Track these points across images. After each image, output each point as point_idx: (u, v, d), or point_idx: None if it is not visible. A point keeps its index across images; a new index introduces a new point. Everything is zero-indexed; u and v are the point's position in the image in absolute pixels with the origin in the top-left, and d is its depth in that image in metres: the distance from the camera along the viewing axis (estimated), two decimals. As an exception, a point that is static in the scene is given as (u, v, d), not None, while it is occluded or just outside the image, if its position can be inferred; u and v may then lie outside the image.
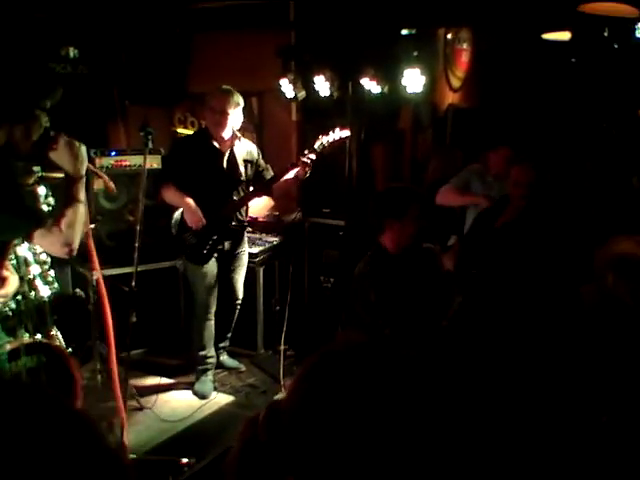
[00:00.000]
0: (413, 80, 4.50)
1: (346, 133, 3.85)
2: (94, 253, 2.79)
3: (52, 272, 3.33)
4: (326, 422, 0.77)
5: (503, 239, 3.34)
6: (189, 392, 4.08)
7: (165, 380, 4.21)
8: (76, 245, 2.36)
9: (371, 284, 2.68)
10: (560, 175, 4.91)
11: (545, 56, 7.47)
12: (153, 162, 4.11)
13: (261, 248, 4.55)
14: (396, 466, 0.75)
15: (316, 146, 3.81)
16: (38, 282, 3.19)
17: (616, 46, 6.39)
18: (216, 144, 3.84)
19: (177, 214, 3.91)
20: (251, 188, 4.00)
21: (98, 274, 3.01)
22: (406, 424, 0.76)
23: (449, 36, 6.75)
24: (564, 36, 6.39)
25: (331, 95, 4.61)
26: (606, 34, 6.30)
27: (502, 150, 4.28)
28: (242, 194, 3.96)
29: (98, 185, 4.30)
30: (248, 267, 4.24)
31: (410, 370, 0.81)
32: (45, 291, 3.22)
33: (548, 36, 6.43)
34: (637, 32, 5.73)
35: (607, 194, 4.51)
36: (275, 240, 4.72)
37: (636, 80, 7.65)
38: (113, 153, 4.38)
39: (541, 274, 3.20)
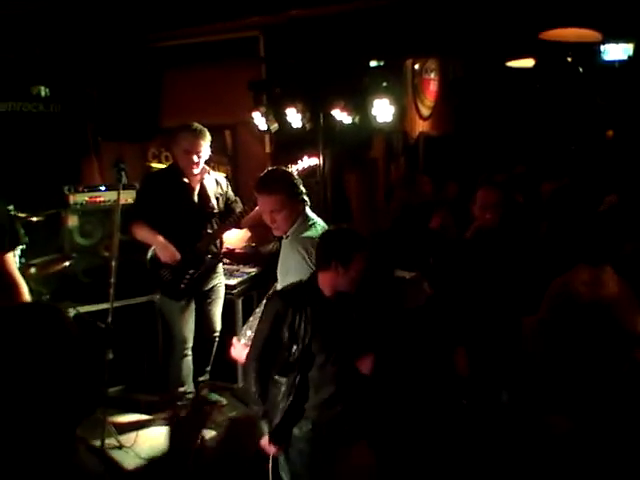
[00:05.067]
0: (383, 110, 4.60)
1: (315, 161, 3.89)
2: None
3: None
4: None
5: (476, 256, 3.37)
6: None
7: (144, 417, 4.14)
8: None
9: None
10: (528, 197, 5.00)
11: (511, 83, 7.67)
12: (128, 197, 4.11)
13: (239, 279, 4.54)
14: None
15: None
16: None
17: (581, 70, 6.59)
18: (186, 180, 3.86)
19: (151, 250, 3.91)
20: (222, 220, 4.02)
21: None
22: None
23: (417, 66, 6.91)
24: (528, 63, 6.59)
25: (303, 126, 4.68)
26: (570, 59, 6.50)
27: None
28: (215, 227, 3.97)
29: (72, 222, 4.29)
30: (226, 299, 4.23)
31: None
32: None
33: (512, 64, 6.63)
34: (604, 54, 5.77)
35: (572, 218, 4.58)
36: (253, 271, 4.72)
37: (604, 102, 7.88)
38: (103, 189, 4.38)
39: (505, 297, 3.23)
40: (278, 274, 3.16)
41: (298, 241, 2.96)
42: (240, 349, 3.13)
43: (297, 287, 2.63)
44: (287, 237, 3.05)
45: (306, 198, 3.09)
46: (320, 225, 3.09)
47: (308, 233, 2.99)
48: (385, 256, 4.72)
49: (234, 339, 3.26)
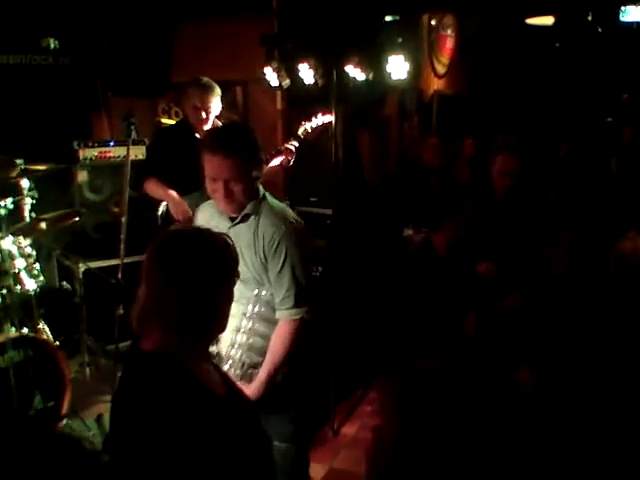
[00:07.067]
0: (397, 67, 4.49)
1: (329, 118, 3.82)
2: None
3: (37, 265, 3.30)
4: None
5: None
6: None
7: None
8: None
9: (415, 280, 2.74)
10: (541, 160, 4.93)
11: (529, 41, 7.49)
12: (138, 153, 4.08)
13: (248, 238, 4.52)
14: None
15: (299, 132, 3.79)
16: (23, 275, 3.16)
17: (600, 30, 6.42)
18: (198, 135, 3.81)
19: (163, 206, 3.89)
20: None
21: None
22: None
23: (433, 22, 6.75)
24: (547, 21, 6.42)
25: (315, 83, 4.58)
26: (590, 18, 6.33)
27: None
28: None
29: (82, 177, 4.28)
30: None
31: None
32: (31, 284, 3.19)
33: (532, 21, 6.46)
34: (622, 15, 5.70)
35: (585, 179, 4.53)
36: (262, 230, 4.70)
37: (621, 64, 7.69)
38: (111, 144, 4.34)
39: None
40: (248, 270, 2.28)
41: (281, 220, 2.28)
42: None
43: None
44: (246, 218, 2.28)
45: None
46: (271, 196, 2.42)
47: (280, 206, 2.37)
48: (392, 214, 4.71)
49: None
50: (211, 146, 2.19)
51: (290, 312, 2.29)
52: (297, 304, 2.29)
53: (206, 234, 1.60)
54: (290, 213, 2.36)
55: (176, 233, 1.64)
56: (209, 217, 2.38)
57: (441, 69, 7.09)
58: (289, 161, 3.77)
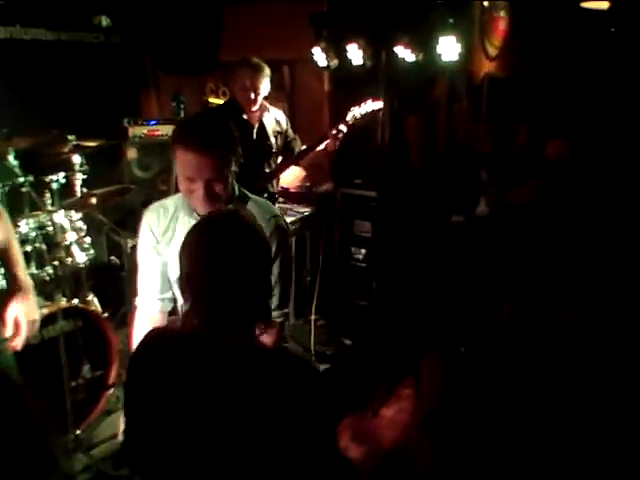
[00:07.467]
0: (448, 48, 4.40)
1: (379, 105, 3.77)
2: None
3: (88, 239, 3.37)
4: None
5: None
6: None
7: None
8: None
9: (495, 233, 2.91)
10: (592, 147, 4.79)
11: (584, 25, 7.26)
12: (186, 132, 4.10)
13: (292, 218, 4.54)
14: None
15: (348, 118, 3.76)
16: (74, 248, 3.23)
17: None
18: (245, 116, 3.82)
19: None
20: (280, 159, 3.98)
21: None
22: None
23: (486, 3, 6.57)
24: (603, 5, 6.22)
25: (364, 64, 4.54)
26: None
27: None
28: (273, 166, 3.95)
29: (131, 154, 4.34)
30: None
31: None
32: (81, 257, 3.27)
33: (587, 5, 6.26)
34: None
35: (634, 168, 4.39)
36: (307, 211, 4.71)
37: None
38: (153, 122, 4.39)
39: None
40: None
41: (267, 213, 2.16)
42: None
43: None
44: None
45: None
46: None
47: (263, 200, 2.27)
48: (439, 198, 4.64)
49: None
50: (186, 142, 1.92)
51: (275, 314, 2.08)
52: (282, 305, 2.12)
53: (249, 220, 1.56)
54: (273, 207, 2.24)
55: (214, 220, 1.59)
56: (169, 219, 2.08)
57: (493, 51, 6.92)
58: (335, 146, 3.76)
